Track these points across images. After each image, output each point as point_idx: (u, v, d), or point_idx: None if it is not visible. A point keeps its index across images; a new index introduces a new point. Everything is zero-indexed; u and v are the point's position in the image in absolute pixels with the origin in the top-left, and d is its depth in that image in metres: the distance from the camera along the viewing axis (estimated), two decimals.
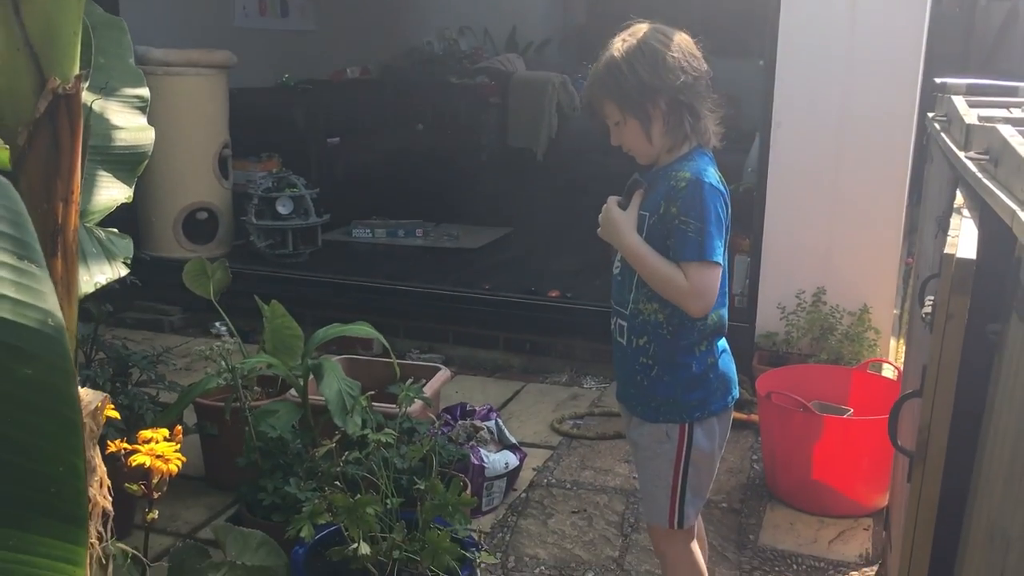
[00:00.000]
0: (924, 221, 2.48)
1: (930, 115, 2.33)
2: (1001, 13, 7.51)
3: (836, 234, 3.69)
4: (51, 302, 0.81)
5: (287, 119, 5.89)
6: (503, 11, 8.51)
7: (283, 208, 4.89)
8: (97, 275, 1.32)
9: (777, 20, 3.64)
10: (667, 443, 2.01)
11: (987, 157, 1.42)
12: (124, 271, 1.42)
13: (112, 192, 1.45)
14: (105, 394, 1.21)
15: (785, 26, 3.62)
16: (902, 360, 3.54)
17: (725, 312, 2.03)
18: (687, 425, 1.99)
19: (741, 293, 4.10)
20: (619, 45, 1.92)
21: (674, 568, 2.12)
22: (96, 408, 1.15)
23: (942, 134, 2.01)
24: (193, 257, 4.49)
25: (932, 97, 2.50)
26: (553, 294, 4.49)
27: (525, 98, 6.85)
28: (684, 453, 2.01)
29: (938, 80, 2.22)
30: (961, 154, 1.66)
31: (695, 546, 2.14)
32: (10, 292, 0.80)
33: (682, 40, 1.95)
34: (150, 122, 4.71)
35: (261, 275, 4.69)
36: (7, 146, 1.01)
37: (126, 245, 1.41)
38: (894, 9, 3.50)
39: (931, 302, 1.27)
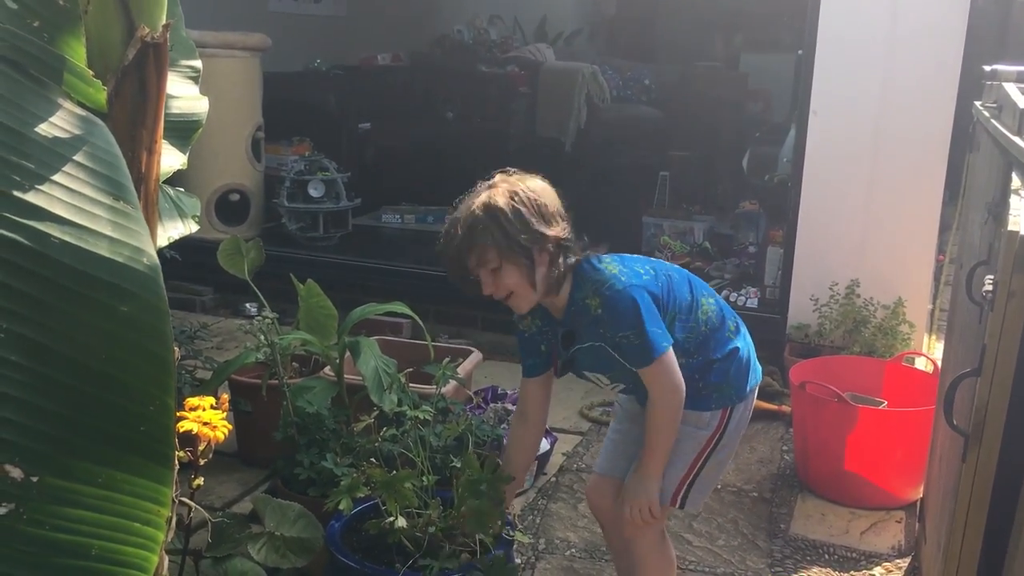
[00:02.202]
0: (967, 211, 2.46)
1: (978, 103, 2.30)
2: None
3: (871, 226, 3.67)
4: (146, 242, 0.82)
5: (319, 104, 5.91)
6: (533, 1, 8.50)
7: (315, 191, 4.91)
8: (171, 230, 1.34)
9: (818, 8, 3.62)
10: (704, 429, 2.05)
11: None
12: (195, 227, 1.43)
13: (169, 159, 1.47)
14: (178, 348, 1.22)
15: (826, 14, 3.60)
16: (936, 353, 3.52)
17: (708, 294, 2.09)
18: (728, 409, 2.05)
19: (773, 284, 4.08)
20: (496, 195, 1.93)
21: (649, 551, 2.15)
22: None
23: (992, 121, 2.00)
24: (225, 238, 4.53)
25: (977, 86, 2.48)
26: None
27: (554, 88, 6.83)
28: (717, 437, 2.06)
29: (987, 68, 2.20)
30: (1016, 139, 1.64)
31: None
32: (107, 231, 0.81)
33: (543, 188, 1.99)
34: None
35: (292, 257, 4.71)
36: (104, 88, 1.02)
37: (194, 203, 1.43)
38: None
39: (991, 281, 1.26)
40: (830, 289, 3.70)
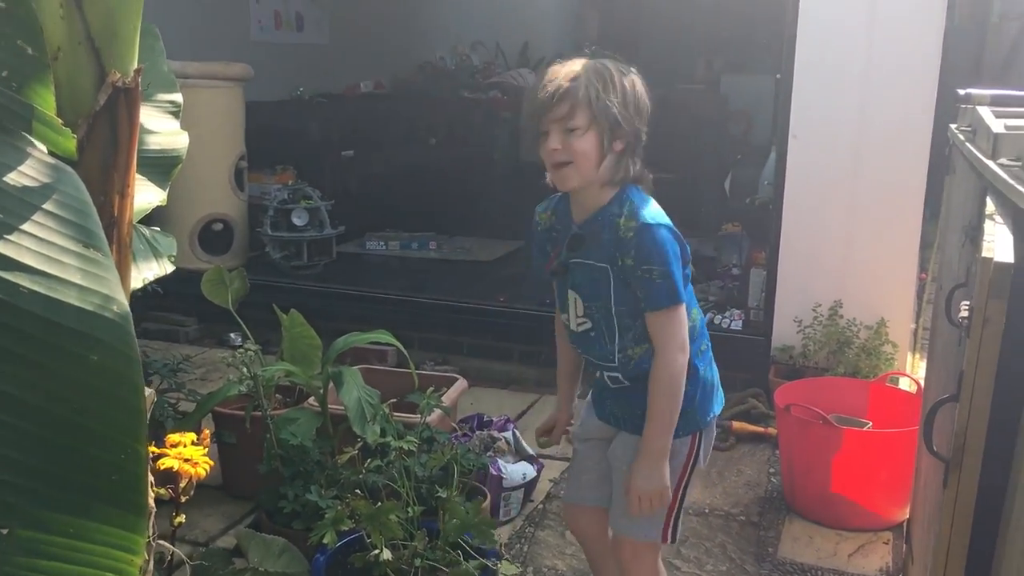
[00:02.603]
0: (945, 233, 2.48)
1: (953, 126, 2.33)
2: (1012, 30, 7.53)
3: (853, 247, 3.69)
4: (115, 289, 0.82)
5: (302, 132, 5.93)
6: (515, 26, 8.56)
7: (298, 220, 4.91)
8: (145, 271, 1.33)
9: (795, 33, 3.65)
10: (676, 458, 1.97)
11: (1020, 163, 1.42)
12: (170, 268, 1.43)
13: (147, 195, 1.46)
14: (152, 390, 1.22)
15: (803, 39, 3.64)
16: (919, 373, 3.54)
17: (695, 301, 2.02)
18: (698, 434, 1.99)
19: (757, 307, 4.10)
20: (613, 66, 1.88)
21: None
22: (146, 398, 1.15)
23: (967, 144, 2.01)
24: (209, 268, 4.52)
25: (952, 109, 2.51)
26: None
27: None
28: (689, 467, 2.00)
29: (961, 91, 2.22)
30: (990, 163, 1.66)
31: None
32: (77, 279, 0.80)
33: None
34: None
35: (276, 286, 4.70)
36: (73, 135, 1.02)
37: (170, 243, 1.43)
38: (910, 23, 3.52)
39: (967, 307, 1.27)
40: (813, 310, 3.71)
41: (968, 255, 1.78)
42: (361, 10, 6.90)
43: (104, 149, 1.06)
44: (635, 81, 1.90)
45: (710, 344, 2.05)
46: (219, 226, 4.94)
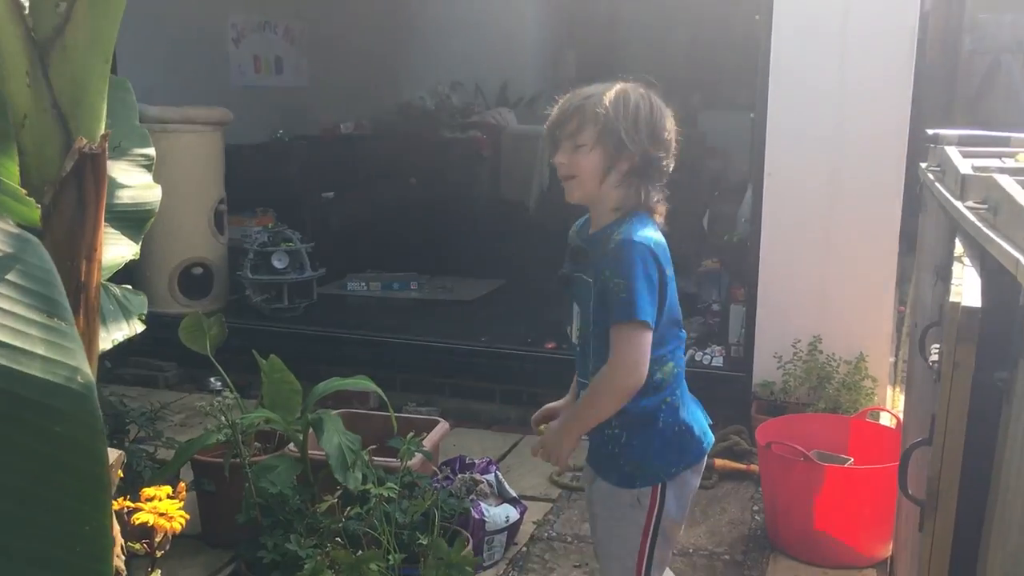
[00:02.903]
0: (919, 270, 2.50)
1: (923, 165, 2.36)
2: (983, 64, 7.66)
3: (830, 283, 3.72)
4: (80, 359, 0.81)
5: (282, 174, 5.94)
6: (494, 66, 8.63)
7: (278, 262, 4.90)
8: (115, 332, 1.33)
9: (767, 73, 3.71)
10: (637, 508, 1.94)
11: (986, 207, 1.44)
12: (140, 327, 1.42)
13: (120, 249, 1.46)
14: (120, 451, 1.21)
15: (775, 78, 3.69)
16: (900, 408, 3.55)
17: (679, 359, 2.00)
18: (660, 487, 1.94)
19: (737, 343, 4.11)
20: (633, 89, 1.93)
21: None
22: (111, 465, 1.14)
23: (936, 184, 2.04)
24: (189, 312, 4.50)
25: (922, 147, 2.55)
26: (549, 346, 4.48)
27: (517, 152, 6.93)
28: (654, 520, 1.95)
29: (930, 131, 2.26)
30: (959, 204, 1.68)
31: None
32: (40, 350, 0.80)
33: (672, 121, 1.97)
34: None
35: (257, 329, 4.68)
36: (37, 205, 1.02)
37: (140, 302, 1.42)
38: (881, 61, 3.58)
39: (937, 350, 1.28)
40: (793, 346, 3.73)
41: (940, 294, 1.80)
42: (340, 52, 6.95)
43: (71, 214, 1.06)
44: (654, 107, 1.93)
45: (684, 399, 1.99)
46: (199, 270, 4.93)
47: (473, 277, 5.88)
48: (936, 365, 1.26)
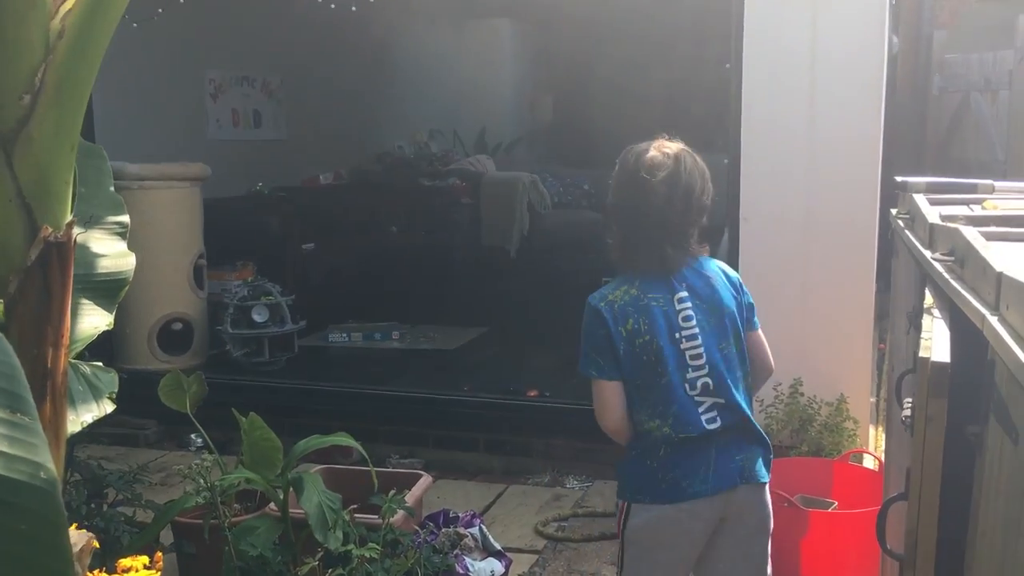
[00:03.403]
0: (895, 314, 2.53)
1: (893, 212, 2.40)
2: (953, 102, 7.80)
3: (809, 325, 3.74)
4: (43, 454, 0.81)
5: (262, 227, 5.94)
6: (472, 114, 8.72)
7: (259, 316, 4.89)
8: (84, 414, 1.32)
9: (739, 119, 3.76)
10: (617, 511, 2.13)
11: (952, 258, 1.46)
12: (110, 407, 1.41)
13: (94, 320, 1.46)
14: (90, 535, 1.19)
15: (748, 124, 3.74)
16: (882, 448, 3.55)
17: (665, 425, 2.02)
18: (626, 504, 2.09)
19: None
20: (619, 162, 2.16)
21: None
22: (81, 549, 1.13)
23: (906, 231, 2.07)
24: (168, 369, 4.46)
25: (893, 194, 2.58)
26: (531, 393, 4.48)
27: (496, 197, 6.97)
28: (622, 527, 2.11)
29: (898, 179, 2.30)
30: (927, 253, 1.71)
31: None
32: (4, 447, 0.79)
33: (660, 166, 2.06)
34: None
35: (237, 384, 4.66)
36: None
37: (111, 380, 1.41)
38: (851, 104, 3.63)
39: (910, 404, 1.29)
40: (774, 389, 3.73)
41: (913, 342, 1.81)
42: (318, 104, 7.01)
43: (37, 303, 1.06)
44: (620, 182, 2.11)
45: (661, 445, 2.03)
46: (178, 325, 4.91)
47: (455, 325, 5.88)
48: (908, 420, 1.27)
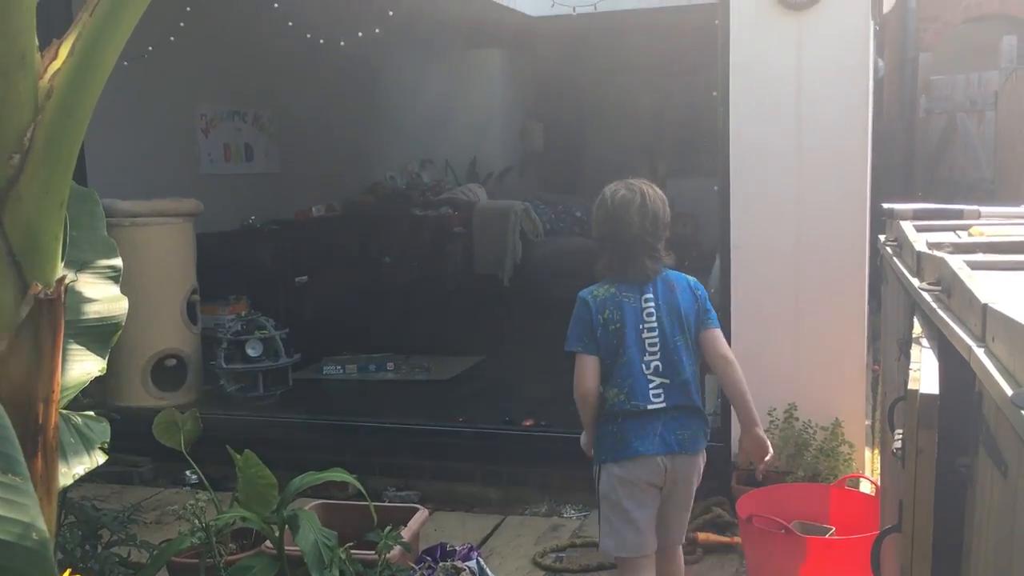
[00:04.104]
0: (886, 339, 2.54)
1: (881, 238, 2.41)
2: (940, 123, 7.88)
3: (802, 351, 3.75)
4: (34, 514, 0.81)
5: (255, 261, 5.94)
6: (463, 143, 8.76)
7: (252, 351, 4.88)
8: (76, 467, 1.32)
9: (728, 146, 3.78)
10: (595, 479, 2.74)
11: (940, 288, 1.47)
12: (102, 458, 1.41)
13: (86, 366, 1.46)
14: None
15: (736, 151, 3.76)
16: (878, 471, 3.55)
17: (621, 394, 2.63)
18: (598, 468, 2.71)
19: (714, 412, 4.11)
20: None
21: None
22: None
23: (895, 259, 2.09)
24: (162, 406, 4.44)
25: (881, 221, 2.60)
26: (527, 423, 4.47)
27: (489, 226, 6.99)
28: (597, 489, 2.73)
29: (886, 205, 2.32)
30: (915, 281, 1.72)
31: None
32: None
33: (624, 199, 2.69)
34: None
35: (232, 420, 4.65)
36: None
37: (103, 429, 1.41)
38: (838, 130, 3.66)
39: (900, 436, 1.30)
40: (769, 415, 3.73)
41: (903, 369, 1.82)
42: (310, 136, 7.03)
43: (27, 359, 1.06)
44: (602, 218, 2.72)
45: (630, 421, 2.63)
46: (172, 361, 4.90)
47: (450, 354, 5.88)
48: (900, 452, 1.28)
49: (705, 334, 2.71)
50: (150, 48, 4.92)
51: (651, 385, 2.61)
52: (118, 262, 1.65)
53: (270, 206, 6.55)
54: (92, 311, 1.53)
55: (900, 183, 7.62)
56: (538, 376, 5.10)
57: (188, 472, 4.43)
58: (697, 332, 2.69)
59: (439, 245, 7.06)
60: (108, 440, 1.42)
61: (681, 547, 2.85)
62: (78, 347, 1.48)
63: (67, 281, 1.29)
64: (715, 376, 4.11)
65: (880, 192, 4.44)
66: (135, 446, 4.57)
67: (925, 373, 1.29)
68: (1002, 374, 1.03)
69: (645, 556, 2.66)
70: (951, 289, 1.42)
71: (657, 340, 2.63)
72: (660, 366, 2.62)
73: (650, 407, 2.59)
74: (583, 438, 2.80)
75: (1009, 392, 0.96)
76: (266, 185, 6.75)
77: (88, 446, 1.38)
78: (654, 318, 2.63)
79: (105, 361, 1.53)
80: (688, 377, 2.65)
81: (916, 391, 1.21)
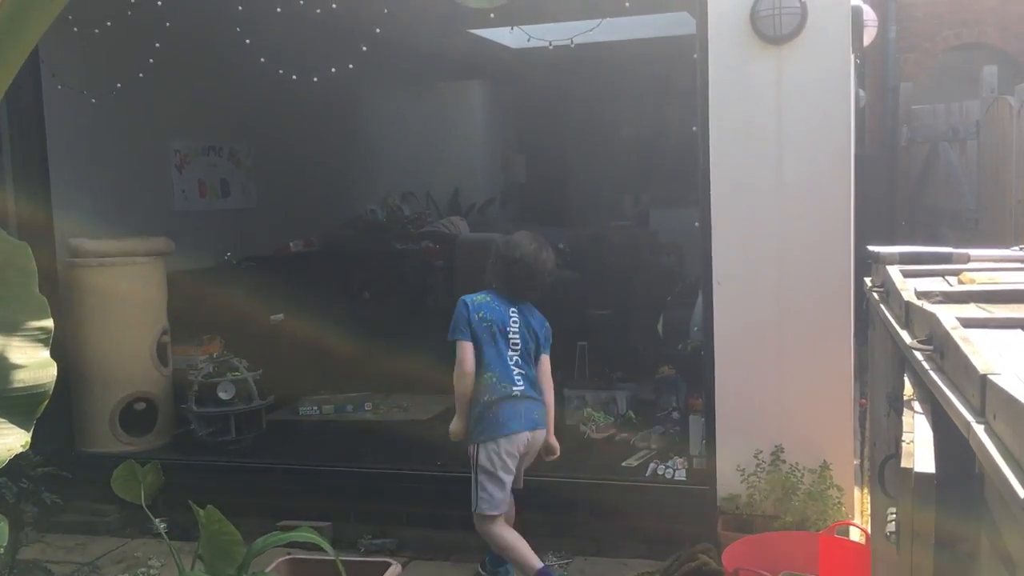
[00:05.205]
0: (873, 388, 2.43)
1: (867, 282, 2.32)
2: (922, 152, 7.84)
3: (787, 391, 3.65)
4: None
5: (230, 299, 5.79)
6: (445, 175, 8.68)
7: (224, 393, 4.73)
8: None
9: (708, 182, 3.70)
10: (470, 457, 3.56)
11: (931, 347, 1.37)
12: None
13: (7, 440, 1.34)
14: None
15: (716, 187, 3.68)
16: (867, 514, 3.44)
17: (494, 376, 3.50)
18: (475, 447, 3.53)
19: (699, 455, 4.01)
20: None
21: (489, 539, 3.57)
22: None
23: (881, 306, 1.99)
24: (131, 451, 4.31)
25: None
26: None
27: (471, 259, 6.86)
28: (473, 465, 3.54)
29: (871, 248, 2.22)
30: (904, 335, 1.62)
31: (501, 525, 3.55)
32: None
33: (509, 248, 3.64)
34: (85, 313, 4.59)
35: (202, 466, 4.51)
36: None
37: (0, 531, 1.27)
38: (819, 164, 3.60)
39: (894, 517, 1.18)
40: (755, 457, 3.63)
41: (895, 425, 1.72)
42: (288, 171, 6.92)
43: None
44: (500, 262, 3.62)
45: (502, 404, 3.48)
46: (141, 405, 4.75)
47: (428, 393, 5.73)
48: (894, 535, 1.17)
49: (543, 357, 3.62)
50: (119, 85, 4.82)
51: (514, 373, 3.51)
52: (49, 323, 1.53)
53: (247, 242, 6.42)
54: (17, 379, 1.41)
55: (883, 212, 7.57)
56: None
57: (158, 520, 4.28)
58: (537, 352, 3.60)
59: (420, 279, 6.94)
60: (5, 544, 1.28)
61: None
62: (0, 420, 1.36)
63: None
64: (699, 419, 4.03)
65: (864, 222, 4.36)
66: (101, 494, 4.40)
67: (919, 447, 1.17)
68: (1006, 460, 0.92)
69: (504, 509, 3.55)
70: (944, 349, 1.32)
71: (518, 340, 3.54)
72: (519, 360, 3.53)
73: (514, 390, 3.48)
74: (453, 424, 3.61)
75: (1016, 486, 0.85)
76: (243, 221, 6.62)
77: None
78: (517, 326, 3.55)
79: (29, 435, 1.41)
80: (534, 375, 3.58)
81: (911, 470, 1.10)
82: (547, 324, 3.65)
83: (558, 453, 3.64)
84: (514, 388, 3.47)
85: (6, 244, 1.65)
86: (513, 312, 3.55)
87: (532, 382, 3.54)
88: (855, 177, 3.68)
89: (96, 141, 5.24)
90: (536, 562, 3.46)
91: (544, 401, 3.59)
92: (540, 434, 3.54)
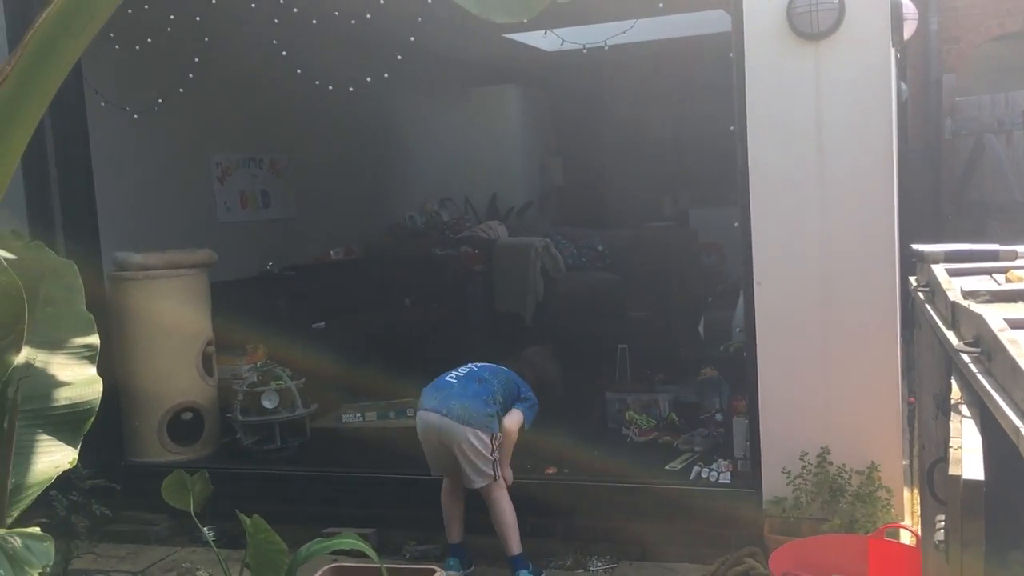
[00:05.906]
0: (921, 389, 2.39)
1: (912, 281, 2.27)
2: (968, 145, 7.69)
3: (833, 389, 3.59)
4: None
5: (272, 308, 5.86)
6: (482, 180, 8.69)
7: (268, 403, 4.78)
8: None
9: (747, 182, 3.66)
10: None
11: (979, 350, 1.34)
12: None
13: (54, 457, 1.36)
14: None
15: (756, 187, 3.64)
16: (918, 515, 3.37)
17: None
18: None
19: (744, 457, 3.96)
20: None
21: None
22: None
23: (927, 306, 1.95)
24: (180, 460, 4.37)
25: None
26: (550, 471, 4.33)
27: (509, 263, 6.88)
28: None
29: (915, 247, 2.18)
30: (951, 336, 1.59)
31: (442, 491, 4.02)
32: None
33: None
34: (132, 325, 4.63)
35: (248, 474, 4.56)
36: None
37: (45, 550, 1.29)
38: (861, 160, 3.54)
39: (943, 524, 1.16)
40: (801, 459, 3.58)
41: (943, 428, 1.68)
42: (327, 180, 6.97)
43: None
44: None
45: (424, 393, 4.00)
46: (188, 415, 4.81)
47: None
48: (943, 544, 1.14)
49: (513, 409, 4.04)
50: (160, 100, 4.89)
51: (457, 371, 4.11)
52: (94, 340, 1.56)
53: (288, 251, 6.49)
54: (63, 397, 1.44)
55: (929, 207, 7.44)
56: (561, 420, 4.96)
57: (207, 528, 4.34)
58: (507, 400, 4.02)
59: (459, 284, 6.95)
60: (51, 562, 1.30)
61: None
62: (46, 437, 1.38)
63: (34, 360, 1.19)
64: (743, 421, 3.99)
65: (909, 218, 4.28)
66: (151, 503, 4.47)
67: (967, 453, 1.15)
68: None
69: None
70: (992, 352, 1.29)
71: (475, 369, 4.13)
72: (467, 372, 4.10)
73: (448, 377, 4.06)
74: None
75: None
76: (284, 230, 6.69)
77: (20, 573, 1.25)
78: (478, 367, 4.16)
79: (76, 451, 1.43)
80: (477, 388, 3.95)
81: (959, 477, 1.08)
82: (526, 390, 4.09)
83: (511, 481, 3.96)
84: (447, 378, 3.98)
85: (53, 262, 1.68)
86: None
87: (474, 382, 3.91)
88: (899, 172, 3.62)
89: (139, 156, 5.32)
90: (452, 538, 3.98)
91: (483, 410, 3.80)
92: (456, 427, 3.76)
